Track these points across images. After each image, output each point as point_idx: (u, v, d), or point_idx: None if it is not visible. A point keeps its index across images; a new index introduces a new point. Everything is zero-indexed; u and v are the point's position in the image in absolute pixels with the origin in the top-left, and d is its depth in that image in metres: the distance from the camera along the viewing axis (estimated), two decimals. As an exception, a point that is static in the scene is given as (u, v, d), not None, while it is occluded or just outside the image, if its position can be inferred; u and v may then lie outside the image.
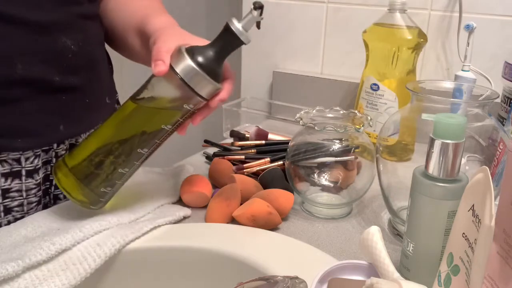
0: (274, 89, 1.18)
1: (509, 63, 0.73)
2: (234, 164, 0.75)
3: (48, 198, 0.67)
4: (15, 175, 0.61)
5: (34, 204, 0.64)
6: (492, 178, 0.37)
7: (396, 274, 0.46)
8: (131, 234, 0.55)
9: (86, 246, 0.53)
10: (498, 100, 0.63)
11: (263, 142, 0.84)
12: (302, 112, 0.67)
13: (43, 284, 0.48)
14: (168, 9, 0.97)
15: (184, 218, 0.63)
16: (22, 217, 0.62)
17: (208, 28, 1.04)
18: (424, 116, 0.45)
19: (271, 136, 0.88)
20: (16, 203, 0.62)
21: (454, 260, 0.41)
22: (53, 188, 0.67)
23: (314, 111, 0.68)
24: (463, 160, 0.47)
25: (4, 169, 0.60)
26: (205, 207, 0.66)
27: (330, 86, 1.09)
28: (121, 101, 0.81)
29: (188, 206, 0.66)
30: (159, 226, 0.59)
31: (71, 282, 0.49)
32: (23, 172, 0.62)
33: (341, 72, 1.11)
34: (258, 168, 0.74)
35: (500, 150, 0.55)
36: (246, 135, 0.88)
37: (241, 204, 0.63)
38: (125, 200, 0.63)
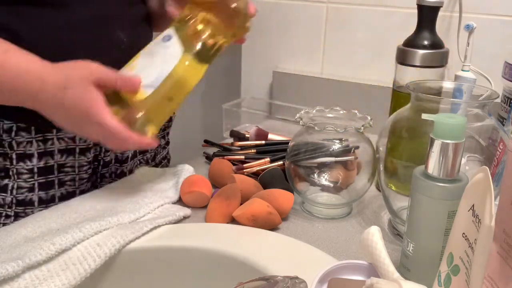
0: (274, 89, 1.18)
1: (509, 63, 0.73)
2: (234, 164, 0.75)
3: (95, 177, 0.73)
4: (70, 152, 0.68)
5: (85, 180, 0.71)
6: (492, 178, 0.37)
7: (396, 274, 0.46)
8: (131, 234, 0.55)
9: (86, 246, 0.53)
10: (498, 100, 0.63)
11: (263, 142, 0.84)
12: (302, 112, 0.67)
13: (43, 284, 0.48)
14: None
15: (184, 218, 0.63)
16: (74, 192, 0.70)
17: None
18: (424, 116, 0.45)
19: (271, 136, 0.88)
20: (69, 177, 0.69)
21: (454, 260, 0.41)
22: (100, 167, 0.73)
23: (314, 111, 0.68)
24: (463, 160, 0.47)
25: (61, 146, 0.67)
26: (205, 207, 0.66)
27: (330, 86, 1.09)
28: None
29: (188, 206, 0.66)
30: (159, 226, 0.59)
31: (71, 282, 0.49)
32: (77, 150, 0.68)
33: (341, 72, 1.11)
34: (258, 168, 0.74)
35: (500, 150, 0.55)
36: (246, 135, 0.88)
37: (241, 204, 0.63)
38: (125, 200, 0.64)
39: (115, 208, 0.61)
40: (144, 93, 0.59)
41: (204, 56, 0.62)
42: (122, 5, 0.68)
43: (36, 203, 0.67)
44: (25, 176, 0.65)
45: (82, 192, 0.70)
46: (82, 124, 0.57)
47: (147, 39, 0.76)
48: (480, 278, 0.36)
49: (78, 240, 0.53)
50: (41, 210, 0.66)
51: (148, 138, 0.59)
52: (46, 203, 0.67)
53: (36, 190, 0.66)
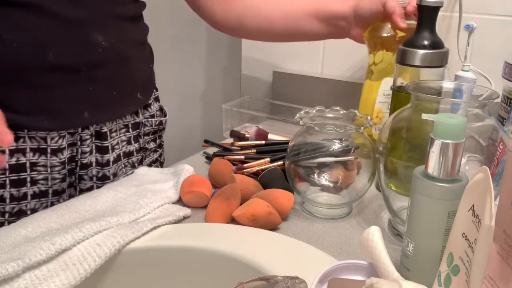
0: (274, 89, 1.18)
1: (509, 63, 0.73)
2: (234, 164, 0.75)
3: (74, 177, 0.74)
4: (42, 151, 0.68)
5: (58, 180, 0.71)
6: (492, 178, 0.37)
7: (396, 274, 0.46)
8: (131, 234, 0.55)
9: (86, 246, 0.53)
10: (498, 100, 0.63)
11: (263, 142, 0.84)
12: (302, 112, 0.67)
13: (43, 284, 0.48)
14: (168, 7, 0.97)
15: (184, 218, 0.64)
16: (46, 191, 0.70)
17: (208, 28, 1.04)
18: (424, 116, 0.45)
19: (271, 136, 0.88)
20: (41, 176, 0.69)
21: (454, 260, 0.41)
22: (78, 168, 0.73)
23: (314, 111, 0.68)
24: (463, 160, 0.47)
25: (33, 145, 0.67)
26: (205, 207, 0.66)
27: (330, 86, 1.09)
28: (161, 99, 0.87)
29: (188, 206, 0.66)
30: (159, 226, 0.59)
31: (71, 282, 0.49)
32: (49, 150, 0.69)
33: (341, 72, 1.11)
34: (258, 168, 0.74)
35: (500, 150, 0.55)
36: (246, 135, 0.88)
37: (241, 204, 0.63)
38: (125, 200, 0.64)
39: (115, 208, 0.61)
40: None
41: None
42: (103, 7, 0.67)
43: (7, 200, 0.67)
44: None
45: (56, 191, 0.71)
46: None
47: (133, 40, 0.75)
48: (480, 278, 0.36)
49: (78, 240, 0.53)
50: (13, 207, 0.68)
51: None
52: (18, 200, 0.68)
53: (8, 187, 0.67)
